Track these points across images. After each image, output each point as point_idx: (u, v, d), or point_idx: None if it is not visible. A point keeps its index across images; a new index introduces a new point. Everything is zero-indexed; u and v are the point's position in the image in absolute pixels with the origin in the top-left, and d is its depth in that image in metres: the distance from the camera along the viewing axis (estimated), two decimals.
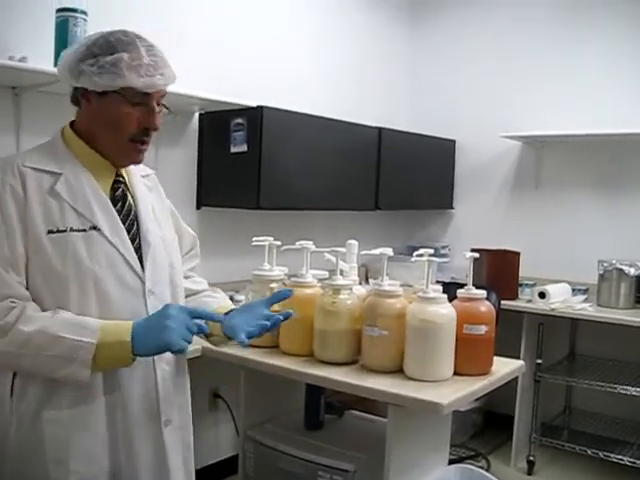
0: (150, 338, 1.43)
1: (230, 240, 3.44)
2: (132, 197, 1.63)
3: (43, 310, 1.45)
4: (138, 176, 1.70)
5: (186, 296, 1.77)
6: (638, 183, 3.90)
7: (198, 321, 1.48)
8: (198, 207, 3.34)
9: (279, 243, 2.41)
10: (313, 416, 2.43)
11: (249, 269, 2.40)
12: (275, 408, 2.50)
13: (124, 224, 1.56)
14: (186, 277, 1.83)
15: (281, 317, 1.63)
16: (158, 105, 1.56)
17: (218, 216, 3.40)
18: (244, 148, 3.11)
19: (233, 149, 3.14)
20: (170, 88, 1.66)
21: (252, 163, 3.08)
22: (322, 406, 2.43)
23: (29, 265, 1.45)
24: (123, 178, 1.62)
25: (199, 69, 3.17)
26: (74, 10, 2.46)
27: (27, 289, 1.45)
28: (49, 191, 1.48)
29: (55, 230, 1.46)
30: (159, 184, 1.82)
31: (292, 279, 2.33)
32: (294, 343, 2.27)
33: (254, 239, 2.41)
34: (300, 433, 2.38)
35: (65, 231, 1.46)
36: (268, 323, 1.59)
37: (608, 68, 3.92)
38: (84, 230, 1.48)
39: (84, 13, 2.48)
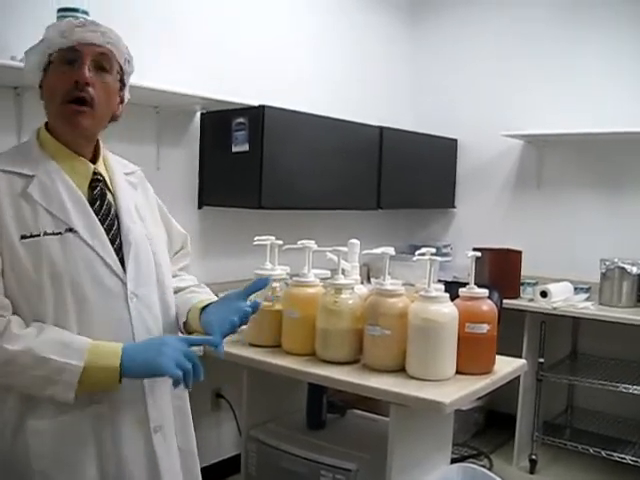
0: (141, 362, 1.38)
1: (232, 239, 3.44)
2: (112, 195, 1.56)
3: (24, 320, 1.39)
4: (120, 174, 1.63)
5: (174, 293, 1.70)
6: None
7: (195, 348, 1.43)
8: (200, 206, 3.34)
9: (281, 242, 2.41)
10: (315, 415, 2.43)
11: (251, 268, 2.41)
12: (277, 407, 2.50)
13: (103, 224, 1.49)
14: (175, 276, 1.77)
15: (250, 309, 1.55)
16: (98, 68, 1.47)
17: (220, 215, 3.40)
18: (246, 147, 3.11)
19: (235, 148, 3.14)
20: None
21: (254, 162, 3.08)
22: (324, 405, 2.44)
23: (5, 273, 1.39)
24: (102, 176, 1.55)
25: (201, 69, 3.17)
26: (75, 10, 2.45)
27: (7, 297, 1.39)
28: (21, 194, 1.42)
29: (28, 235, 1.39)
30: (146, 180, 1.75)
31: (294, 278, 2.34)
32: (296, 342, 2.27)
33: (256, 238, 2.42)
34: (302, 432, 2.38)
35: (39, 235, 1.40)
36: (236, 319, 1.51)
37: (608, 67, 3.91)
38: (59, 233, 1.41)
39: (85, 13, 2.48)
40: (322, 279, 2.36)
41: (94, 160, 1.57)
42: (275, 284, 2.39)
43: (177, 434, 1.60)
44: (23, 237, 1.39)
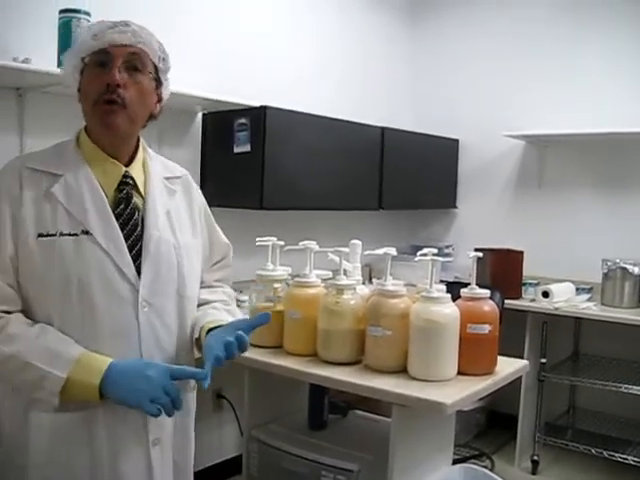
0: (120, 390, 1.36)
1: (233, 240, 3.38)
2: (143, 199, 1.55)
3: (32, 318, 1.41)
4: (159, 178, 1.61)
5: (198, 305, 1.67)
6: None
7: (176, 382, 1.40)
8: None
9: (282, 243, 2.41)
10: (317, 416, 2.43)
11: (253, 269, 2.41)
12: (279, 408, 2.50)
13: (124, 228, 1.48)
14: (209, 287, 1.75)
15: (235, 342, 1.44)
16: (131, 68, 1.48)
17: (221, 216, 3.34)
18: (247, 148, 3.11)
19: (236, 149, 3.14)
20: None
21: (255, 163, 3.08)
22: (326, 406, 2.44)
23: (20, 268, 1.41)
24: (132, 179, 1.53)
25: (202, 69, 3.17)
26: (77, 11, 2.46)
27: (20, 292, 1.42)
28: (45, 193, 1.43)
29: (45, 234, 1.41)
30: (193, 187, 1.73)
31: (295, 279, 2.34)
32: (298, 343, 2.27)
33: (257, 239, 2.42)
34: (304, 433, 2.38)
35: (55, 235, 1.41)
36: (221, 355, 1.42)
37: (609, 67, 3.91)
38: (75, 234, 1.42)
39: (87, 14, 2.48)
40: (324, 280, 2.36)
41: (130, 162, 1.56)
42: (277, 285, 2.39)
43: (176, 449, 1.58)
44: (40, 235, 1.41)
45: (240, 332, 1.46)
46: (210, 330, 1.54)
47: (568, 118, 3.97)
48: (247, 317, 1.69)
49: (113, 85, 1.44)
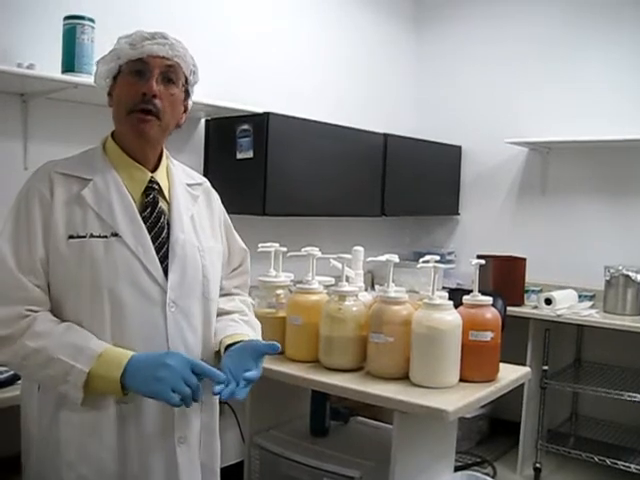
0: (141, 382, 1.39)
1: None
2: (168, 204, 1.59)
3: (61, 317, 1.45)
4: (182, 184, 1.66)
5: (217, 315, 1.69)
6: None
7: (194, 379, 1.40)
8: None
9: (285, 249, 2.42)
10: (318, 422, 2.43)
11: (255, 275, 2.41)
12: (280, 414, 2.50)
13: (151, 231, 1.52)
14: (229, 294, 1.78)
15: (242, 387, 1.48)
16: (166, 80, 1.53)
17: None
18: (250, 154, 3.11)
19: (239, 155, 3.15)
20: None
21: (258, 169, 3.09)
22: (328, 412, 2.44)
23: (50, 269, 1.45)
24: (158, 185, 1.58)
25: (205, 75, 3.15)
26: (81, 18, 2.47)
27: (49, 293, 1.46)
28: (75, 196, 1.48)
29: (75, 235, 1.45)
30: (213, 193, 1.77)
31: (298, 285, 2.34)
32: (300, 349, 2.27)
33: (260, 245, 2.42)
34: (305, 439, 2.38)
35: (85, 237, 1.45)
36: (232, 388, 1.46)
37: (612, 74, 3.91)
38: (105, 236, 1.46)
39: (91, 21, 2.50)
40: (326, 286, 2.36)
41: (155, 168, 1.60)
42: (279, 291, 2.40)
43: (202, 449, 1.60)
44: (71, 237, 1.45)
45: (253, 373, 1.50)
46: (229, 346, 1.57)
47: (571, 125, 3.97)
48: (260, 339, 1.69)
49: (149, 95, 1.49)
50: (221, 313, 1.70)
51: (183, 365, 1.40)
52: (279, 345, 1.56)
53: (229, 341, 1.60)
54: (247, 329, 1.69)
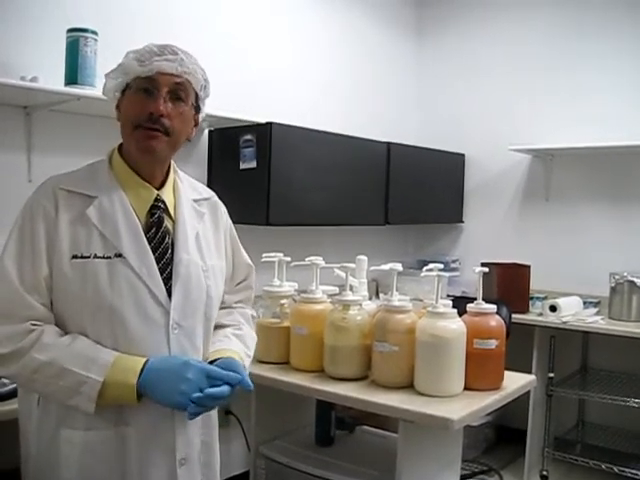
0: (162, 393, 1.39)
1: None
2: (173, 222, 1.56)
3: (65, 333, 1.44)
4: (188, 201, 1.62)
5: (214, 328, 1.66)
6: None
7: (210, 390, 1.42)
8: None
9: (289, 259, 2.42)
10: (324, 432, 2.43)
11: (259, 285, 2.41)
12: (286, 424, 2.50)
13: (155, 251, 1.49)
14: (228, 307, 1.76)
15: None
16: (175, 98, 1.49)
17: None
18: (253, 164, 3.12)
19: (242, 165, 3.16)
20: None
21: (261, 179, 3.10)
22: (333, 422, 2.43)
23: (53, 287, 1.43)
24: (163, 203, 1.55)
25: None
26: (84, 30, 2.49)
27: (52, 310, 1.44)
28: (80, 215, 1.45)
29: (79, 255, 1.43)
30: (220, 208, 1.73)
31: (302, 295, 2.34)
32: (304, 359, 2.27)
33: (264, 255, 2.43)
34: (311, 449, 2.38)
35: (89, 257, 1.43)
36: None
37: (615, 81, 3.91)
38: (108, 257, 1.44)
39: (94, 33, 2.51)
40: (330, 295, 2.36)
41: (162, 184, 1.57)
42: (283, 300, 2.40)
43: (203, 465, 1.59)
44: (74, 257, 1.43)
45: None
46: (212, 362, 1.55)
47: (574, 132, 3.98)
48: (251, 354, 1.71)
49: (156, 115, 1.46)
50: (217, 326, 1.68)
51: (200, 376, 1.41)
52: (252, 386, 1.55)
53: (213, 357, 1.57)
54: (236, 344, 1.66)
